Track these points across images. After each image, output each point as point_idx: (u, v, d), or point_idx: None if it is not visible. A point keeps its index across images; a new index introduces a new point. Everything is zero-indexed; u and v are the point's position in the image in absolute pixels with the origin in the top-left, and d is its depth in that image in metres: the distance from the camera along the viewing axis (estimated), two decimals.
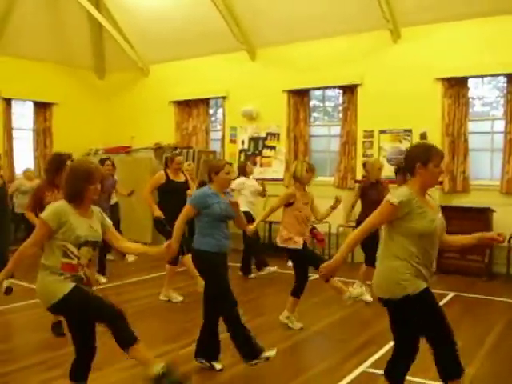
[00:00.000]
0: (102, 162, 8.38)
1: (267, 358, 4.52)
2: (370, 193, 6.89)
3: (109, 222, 3.77)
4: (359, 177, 10.16)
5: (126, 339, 3.45)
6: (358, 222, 6.35)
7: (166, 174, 7.27)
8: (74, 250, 3.46)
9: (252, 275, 8.60)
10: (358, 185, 7.71)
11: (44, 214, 3.47)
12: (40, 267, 3.55)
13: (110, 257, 10.32)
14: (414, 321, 3.30)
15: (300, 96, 11.01)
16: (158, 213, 7.04)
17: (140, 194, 9.88)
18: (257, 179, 9.34)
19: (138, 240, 10.65)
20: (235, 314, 4.52)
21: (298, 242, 5.73)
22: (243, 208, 7.52)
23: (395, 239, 3.30)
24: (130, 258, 9.32)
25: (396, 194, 3.26)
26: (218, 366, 4.67)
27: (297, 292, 5.89)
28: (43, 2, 12.03)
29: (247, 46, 11.39)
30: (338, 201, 5.82)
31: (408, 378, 3.59)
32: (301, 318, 6.01)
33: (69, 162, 5.52)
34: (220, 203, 4.59)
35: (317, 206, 6.01)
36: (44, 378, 4.55)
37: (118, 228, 9.92)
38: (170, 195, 7.06)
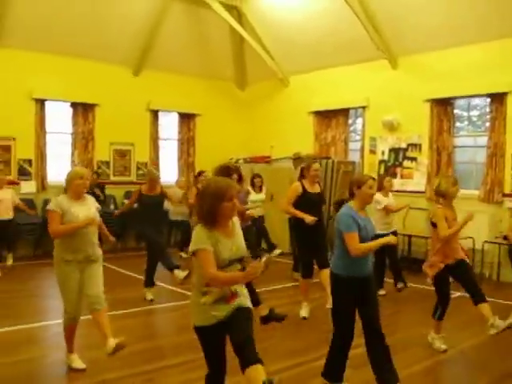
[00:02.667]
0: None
1: None
2: None
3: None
4: (507, 190, 9.59)
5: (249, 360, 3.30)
6: None
7: (302, 185, 6.88)
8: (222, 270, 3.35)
9: (382, 292, 8.17)
10: None
11: (196, 245, 3.34)
12: (193, 287, 3.55)
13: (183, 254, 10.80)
14: None
15: (443, 105, 10.56)
16: (311, 218, 6.56)
17: (277, 206, 10.07)
18: (396, 191, 8.95)
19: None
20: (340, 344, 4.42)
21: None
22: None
23: None
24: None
25: None
26: None
27: (438, 314, 5.62)
28: (188, 19, 12.60)
29: (388, 55, 11.14)
30: (469, 216, 5.39)
31: None
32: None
33: (234, 176, 5.68)
34: (365, 226, 4.33)
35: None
36: (185, 379, 4.70)
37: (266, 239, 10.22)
38: (306, 208, 6.65)
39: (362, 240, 4.27)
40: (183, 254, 11.07)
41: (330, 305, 6.37)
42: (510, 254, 9.01)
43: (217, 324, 3.36)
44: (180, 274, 7.26)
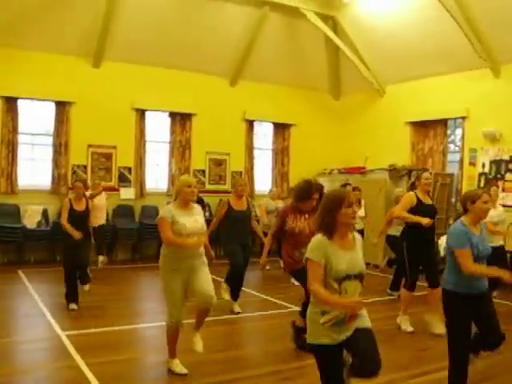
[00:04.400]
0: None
1: None
2: None
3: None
4: None
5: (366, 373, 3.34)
6: None
7: (417, 196, 6.63)
8: (337, 286, 3.29)
9: None
10: None
11: (309, 254, 3.35)
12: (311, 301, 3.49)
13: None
14: None
15: None
16: (427, 220, 6.32)
17: (372, 216, 9.91)
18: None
19: (370, 262, 10.65)
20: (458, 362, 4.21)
21: None
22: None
23: None
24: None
25: None
26: None
27: None
28: (284, 30, 12.72)
29: (490, 63, 10.73)
30: None
31: None
32: None
33: (315, 196, 5.49)
34: (478, 243, 4.16)
35: None
36: None
37: None
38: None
39: (474, 258, 4.12)
40: (267, 267, 11.02)
41: (438, 330, 6.22)
42: None
43: (335, 344, 3.33)
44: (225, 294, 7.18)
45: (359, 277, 3.38)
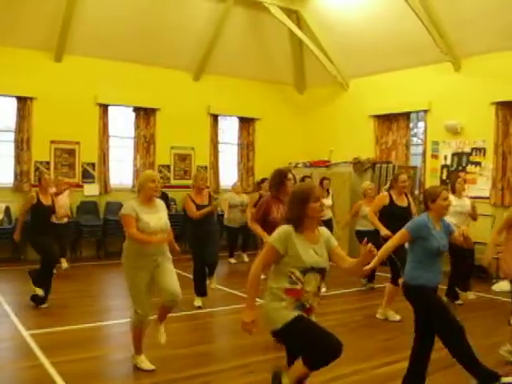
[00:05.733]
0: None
1: None
2: None
3: (334, 242, 3.64)
4: None
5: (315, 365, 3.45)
6: None
7: (390, 196, 6.87)
8: (300, 275, 3.43)
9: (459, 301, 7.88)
10: None
11: (271, 239, 3.52)
12: (266, 289, 3.58)
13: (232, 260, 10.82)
14: None
15: (510, 108, 10.26)
16: (385, 232, 6.44)
17: (338, 209, 9.99)
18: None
19: None
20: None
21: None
22: None
23: None
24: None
25: None
26: None
27: None
28: (247, 24, 12.72)
29: (451, 57, 10.90)
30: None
31: None
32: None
33: (290, 176, 5.64)
34: (436, 237, 4.32)
35: None
36: (245, 382, 4.71)
37: None
38: (392, 220, 6.39)
39: (433, 251, 4.29)
40: (232, 260, 11.19)
41: (397, 317, 6.59)
42: None
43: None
44: None
45: (322, 271, 3.49)
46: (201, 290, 7.39)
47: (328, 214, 9.45)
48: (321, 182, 9.71)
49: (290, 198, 3.61)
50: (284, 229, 3.47)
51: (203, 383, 4.70)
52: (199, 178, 7.46)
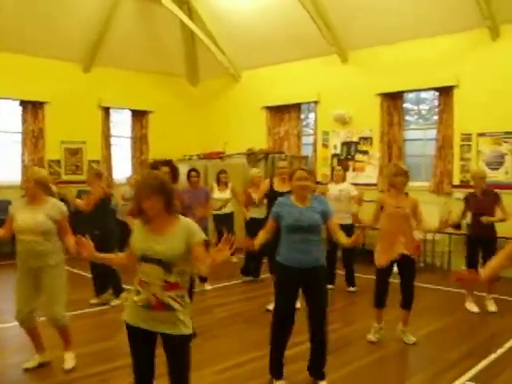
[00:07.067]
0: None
1: None
2: (472, 203, 6.83)
3: (195, 239, 3.18)
4: (456, 182, 9.86)
5: None
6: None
7: (271, 183, 7.04)
8: (138, 264, 3.26)
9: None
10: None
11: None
12: None
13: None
14: None
15: (393, 99, 10.78)
16: (246, 215, 7.03)
17: (233, 200, 10.05)
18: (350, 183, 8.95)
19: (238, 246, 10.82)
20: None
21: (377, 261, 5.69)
22: None
23: None
24: (207, 287, 8.27)
25: None
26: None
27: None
28: (138, 15, 12.50)
29: (338, 49, 11.28)
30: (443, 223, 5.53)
31: None
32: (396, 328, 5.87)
33: (164, 169, 5.36)
34: (293, 213, 4.42)
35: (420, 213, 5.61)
36: None
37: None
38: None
39: (290, 227, 4.40)
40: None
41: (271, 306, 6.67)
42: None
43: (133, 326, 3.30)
44: None
45: (159, 263, 3.16)
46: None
47: (228, 208, 9.49)
48: (217, 176, 9.65)
49: (135, 190, 3.36)
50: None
51: (99, 381, 4.64)
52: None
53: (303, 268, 4.37)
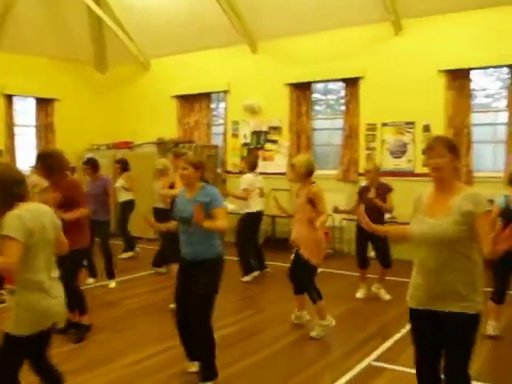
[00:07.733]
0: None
1: None
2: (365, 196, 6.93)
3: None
4: (362, 170, 10.12)
5: None
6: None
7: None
8: None
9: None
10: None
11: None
12: None
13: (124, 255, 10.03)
14: None
15: (302, 89, 10.95)
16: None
17: (142, 190, 9.91)
18: (259, 173, 9.02)
19: (142, 236, 10.69)
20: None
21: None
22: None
23: None
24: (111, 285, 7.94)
25: None
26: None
27: None
28: None
29: (248, 39, 11.33)
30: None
31: None
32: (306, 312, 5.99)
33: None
34: (179, 204, 4.38)
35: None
36: None
37: (123, 226, 9.85)
38: None
39: (177, 218, 4.37)
40: None
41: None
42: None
43: None
44: None
45: None
46: None
47: (128, 196, 9.57)
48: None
49: None
50: None
51: None
52: None
53: (190, 260, 4.28)
